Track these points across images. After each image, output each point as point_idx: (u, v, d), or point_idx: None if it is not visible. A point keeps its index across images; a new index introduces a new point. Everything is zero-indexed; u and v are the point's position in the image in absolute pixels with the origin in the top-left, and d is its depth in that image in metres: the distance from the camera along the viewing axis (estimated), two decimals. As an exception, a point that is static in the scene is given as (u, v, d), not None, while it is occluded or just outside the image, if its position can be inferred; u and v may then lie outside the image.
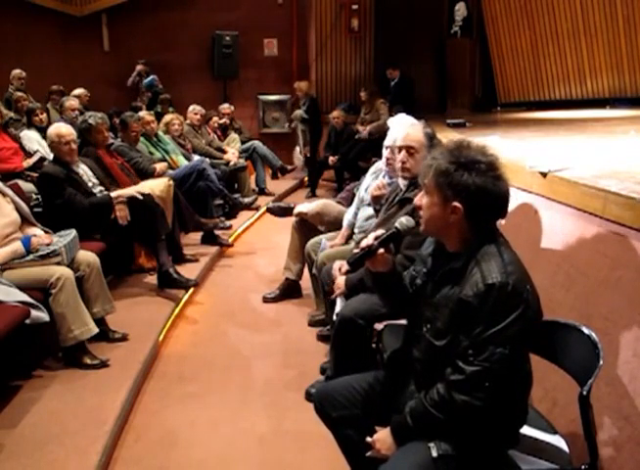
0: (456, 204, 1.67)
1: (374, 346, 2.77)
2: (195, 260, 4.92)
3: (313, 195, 7.80)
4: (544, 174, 2.93)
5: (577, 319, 2.00)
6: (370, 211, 3.40)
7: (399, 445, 1.71)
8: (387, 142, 3.20)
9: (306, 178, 8.48)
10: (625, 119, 6.61)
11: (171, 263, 4.25)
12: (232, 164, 6.87)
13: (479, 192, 1.65)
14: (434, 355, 1.72)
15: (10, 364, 2.98)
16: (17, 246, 3.15)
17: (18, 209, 3.35)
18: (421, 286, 1.87)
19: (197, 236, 5.42)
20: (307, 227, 4.12)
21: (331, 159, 7.83)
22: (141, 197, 4.04)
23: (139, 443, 2.72)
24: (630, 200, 2.22)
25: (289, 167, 7.99)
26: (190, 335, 3.93)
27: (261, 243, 5.89)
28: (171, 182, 4.78)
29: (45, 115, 5.82)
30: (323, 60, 9.40)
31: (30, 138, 5.47)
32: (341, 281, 2.85)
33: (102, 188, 4.21)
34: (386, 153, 3.21)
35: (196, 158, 6.26)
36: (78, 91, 7.53)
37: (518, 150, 4.06)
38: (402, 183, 2.90)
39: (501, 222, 1.90)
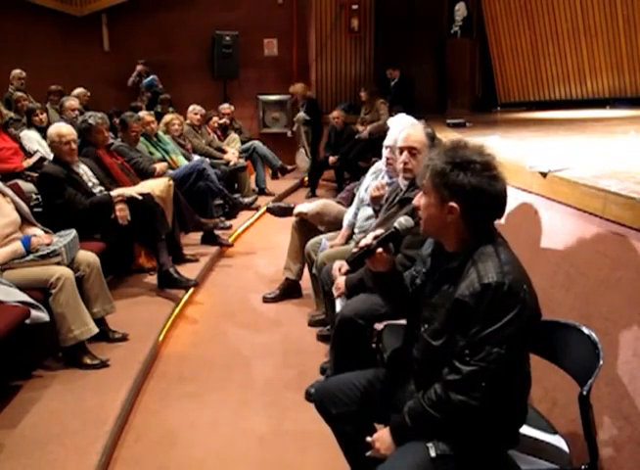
0: (452, 204, 1.67)
1: (374, 346, 2.77)
2: (195, 260, 4.92)
3: (313, 195, 7.80)
4: (544, 174, 2.93)
5: (577, 319, 2.00)
6: (370, 210, 3.40)
7: (398, 444, 1.71)
8: (387, 142, 3.19)
9: (306, 178, 8.48)
10: (625, 119, 6.61)
11: (171, 263, 4.25)
12: (232, 164, 6.87)
13: (474, 192, 1.65)
14: (432, 355, 1.73)
15: (10, 364, 2.98)
16: (17, 246, 3.15)
17: (18, 209, 3.35)
18: (420, 286, 1.88)
19: (197, 236, 5.42)
20: (307, 227, 4.12)
21: (331, 159, 7.83)
22: (141, 197, 4.04)
23: (139, 443, 2.72)
24: (630, 200, 2.22)
25: (289, 167, 7.99)
26: (190, 335, 3.93)
27: (261, 243, 5.89)
28: (171, 182, 4.79)
29: (45, 115, 5.82)
30: (323, 60, 9.41)
31: (30, 138, 5.47)
32: (341, 281, 2.85)
33: (102, 188, 4.20)
34: (386, 153, 3.21)
35: (196, 158, 6.27)
36: (78, 91, 7.54)
37: (518, 150, 4.05)
38: (402, 183, 2.90)
39: (501, 222, 1.90)
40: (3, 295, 2.79)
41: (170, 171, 5.49)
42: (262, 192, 7.60)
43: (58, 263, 3.16)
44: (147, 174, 5.09)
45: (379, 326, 2.71)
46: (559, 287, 2.56)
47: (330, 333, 3.18)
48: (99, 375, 3.09)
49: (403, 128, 2.92)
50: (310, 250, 3.80)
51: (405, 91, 8.51)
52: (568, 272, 2.57)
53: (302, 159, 8.73)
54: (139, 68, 8.86)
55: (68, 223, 3.56)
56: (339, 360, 2.77)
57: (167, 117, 6.47)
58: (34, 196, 4.25)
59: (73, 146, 3.99)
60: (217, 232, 5.46)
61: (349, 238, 3.62)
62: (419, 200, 1.77)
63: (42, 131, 5.28)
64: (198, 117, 6.98)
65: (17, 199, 3.40)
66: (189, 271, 4.47)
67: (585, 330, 1.84)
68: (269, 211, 5.14)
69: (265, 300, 4.38)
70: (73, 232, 3.38)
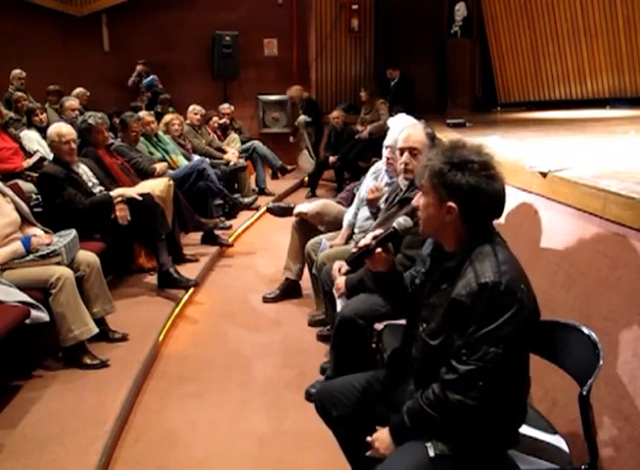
0: (451, 204, 1.67)
1: (374, 346, 2.77)
2: (195, 260, 4.92)
3: (313, 195, 7.80)
4: (544, 174, 2.93)
5: (577, 319, 2.00)
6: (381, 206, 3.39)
7: (398, 444, 1.72)
8: (387, 142, 3.19)
9: (306, 178, 8.48)
10: (625, 119, 6.60)
11: (171, 263, 4.25)
12: (232, 164, 6.87)
13: (472, 192, 1.65)
14: (430, 355, 1.73)
15: (10, 364, 2.98)
16: (17, 246, 3.15)
17: (18, 209, 3.35)
18: (419, 286, 1.88)
19: (197, 236, 5.42)
20: (307, 227, 4.12)
21: (331, 159, 7.84)
22: (141, 198, 4.03)
23: (139, 443, 2.72)
24: (630, 200, 2.22)
25: (289, 167, 7.99)
26: (190, 335, 3.94)
27: (261, 243, 5.89)
28: (171, 182, 4.79)
29: (45, 115, 5.82)
30: (323, 60, 9.41)
31: (30, 138, 5.47)
32: (340, 282, 2.85)
33: (102, 188, 4.21)
34: (386, 153, 3.21)
35: (196, 158, 6.27)
36: (77, 91, 7.54)
37: (518, 150, 4.05)
38: (402, 183, 2.90)
39: (500, 222, 1.90)
40: (3, 295, 2.79)
41: (170, 171, 5.49)
42: (262, 192, 7.60)
43: (58, 263, 3.16)
44: (147, 174, 5.09)
45: (379, 326, 2.71)
46: (559, 287, 2.56)
47: (330, 333, 3.18)
48: (99, 375, 3.09)
49: (403, 129, 2.92)
50: (310, 250, 3.80)
51: (405, 91, 8.51)
52: (568, 272, 2.57)
53: (306, 160, 8.69)
54: (139, 68, 8.87)
55: (67, 223, 3.56)
56: (339, 360, 2.77)
57: (167, 117, 6.47)
58: (34, 196, 4.25)
59: (73, 146, 3.99)
60: (217, 232, 5.46)
61: (349, 238, 3.62)
62: (418, 200, 1.78)
63: (42, 131, 5.28)
64: (198, 117, 6.99)
65: (17, 199, 3.40)
66: (189, 271, 4.47)
67: (585, 330, 1.84)
68: (269, 211, 5.14)
69: (265, 300, 4.38)
70: (73, 232, 3.38)
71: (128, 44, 9.27)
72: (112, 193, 4.03)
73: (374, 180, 3.56)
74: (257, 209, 6.86)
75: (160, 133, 6.08)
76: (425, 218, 1.76)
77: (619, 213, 2.28)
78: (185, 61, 9.37)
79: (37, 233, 3.31)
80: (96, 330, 3.18)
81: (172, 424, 2.87)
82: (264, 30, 9.70)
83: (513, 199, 3.08)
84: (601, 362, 1.73)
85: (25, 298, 2.83)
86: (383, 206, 3.18)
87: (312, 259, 3.71)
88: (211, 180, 5.59)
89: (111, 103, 7.88)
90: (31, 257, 3.14)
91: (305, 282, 4.22)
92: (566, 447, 1.86)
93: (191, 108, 7.02)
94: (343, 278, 2.84)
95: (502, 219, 1.81)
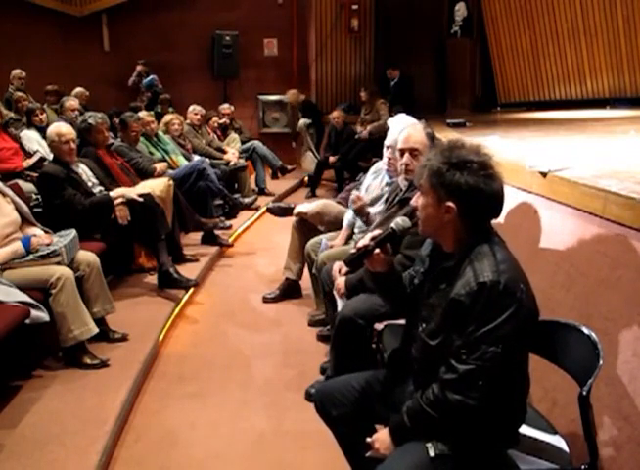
0: (449, 203, 1.67)
1: (374, 346, 2.77)
2: (195, 260, 4.92)
3: (313, 195, 7.81)
4: (544, 174, 2.93)
5: (577, 319, 2.00)
6: (370, 210, 3.39)
7: (398, 444, 1.71)
8: (387, 142, 3.19)
9: (306, 178, 8.48)
10: (625, 119, 6.60)
11: (171, 263, 4.25)
12: (232, 164, 6.87)
13: (471, 191, 1.65)
14: (430, 355, 1.73)
15: (10, 364, 2.98)
16: (17, 246, 3.15)
17: (18, 209, 3.35)
18: (418, 286, 1.88)
19: (197, 236, 5.42)
20: (307, 227, 4.12)
21: (331, 159, 7.84)
22: (141, 199, 4.03)
23: (139, 443, 2.72)
24: (630, 200, 2.22)
25: (289, 167, 7.99)
26: (190, 335, 3.94)
27: (261, 243, 5.90)
28: (171, 182, 4.79)
29: (45, 115, 5.82)
30: (323, 60, 9.42)
31: (30, 138, 5.47)
32: (340, 282, 2.85)
33: (102, 188, 4.21)
34: (387, 152, 3.21)
35: (196, 158, 6.27)
36: (76, 90, 7.54)
37: (518, 150, 4.05)
38: (402, 183, 2.90)
39: (500, 222, 1.90)
40: (3, 295, 2.79)
41: (170, 171, 5.49)
42: (262, 192, 7.60)
43: (58, 263, 3.16)
44: (147, 174, 5.09)
45: (379, 326, 2.71)
46: (559, 287, 2.56)
47: (330, 333, 3.18)
48: (99, 375, 3.09)
49: (403, 129, 2.92)
50: (310, 250, 3.80)
51: (405, 91, 8.51)
52: (568, 272, 2.57)
53: (311, 161, 8.66)
54: (139, 68, 8.87)
55: (67, 223, 3.56)
56: (339, 360, 2.77)
57: (167, 117, 6.47)
58: (34, 196, 4.25)
59: (73, 145, 3.99)
60: (217, 232, 5.46)
61: (349, 238, 3.62)
62: (417, 200, 1.78)
63: (42, 131, 5.28)
64: (198, 117, 6.99)
65: (17, 199, 3.40)
66: (189, 271, 4.47)
67: (585, 330, 1.84)
68: (269, 211, 5.14)
69: (265, 300, 4.38)
70: (73, 232, 3.38)
71: (128, 44, 9.27)
72: (112, 193, 4.03)
73: (374, 180, 3.56)
74: (257, 209, 6.86)
75: (160, 133, 6.08)
76: (424, 218, 1.76)
77: (619, 213, 2.28)
78: (185, 61, 9.38)
79: (37, 233, 3.31)
80: (96, 330, 3.18)
81: (172, 424, 2.87)
82: (264, 30, 9.71)
83: (513, 199, 3.08)
84: (601, 362, 1.73)
85: (25, 298, 2.83)
86: (382, 206, 3.18)
87: (312, 259, 3.71)
88: (211, 180, 5.59)
89: (111, 103, 7.89)
90: (31, 257, 3.14)
91: (305, 282, 4.21)
92: (566, 447, 1.86)
93: (191, 108, 7.02)
94: (344, 278, 2.84)
95: (502, 219, 1.82)
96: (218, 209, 6.03)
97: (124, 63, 9.00)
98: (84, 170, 4.19)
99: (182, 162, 5.95)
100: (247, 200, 6.82)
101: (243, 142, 7.76)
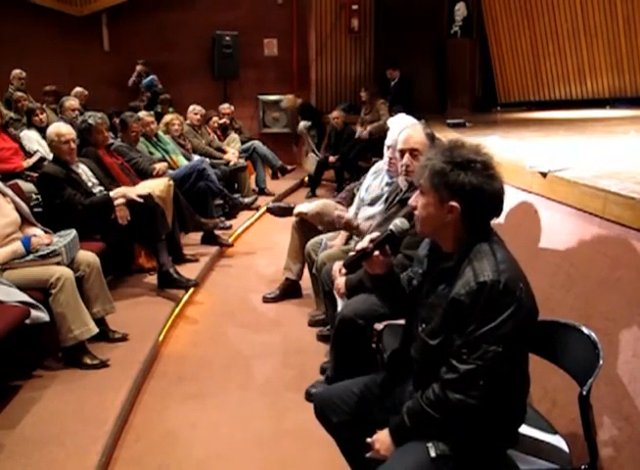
0: (453, 203, 1.67)
1: (374, 346, 2.77)
2: (195, 260, 4.92)
3: (313, 195, 7.81)
4: (544, 174, 2.93)
5: (577, 319, 2.00)
6: (370, 210, 3.40)
7: (398, 445, 1.71)
8: (388, 142, 3.19)
9: (306, 178, 8.48)
10: (625, 119, 6.61)
11: (171, 263, 4.25)
12: (232, 164, 6.87)
13: (475, 191, 1.65)
14: (430, 355, 1.73)
15: (10, 364, 2.99)
16: (17, 246, 3.15)
17: (18, 209, 3.35)
18: (417, 287, 1.88)
19: (197, 236, 5.42)
20: (307, 227, 4.12)
21: (331, 158, 7.84)
22: (142, 200, 4.03)
23: (139, 443, 2.72)
24: (630, 200, 2.22)
25: (289, 167, 7.99)
26: (190, 335, 3.94)
27: (261, 243, 5.89)
28: (171, 182, 4.79)
29: (45, 115, 5.82)
30: (323, 60, 9.41)
31: (30, 138, 5.47)
32: (340, 282, 2.84)
33: (102, 188, 4.21)
34: (387, 153, 3.20)
35: (196, 158, 6.27)
36: (76, 90, 7.54)
37: (518, 150, 4.05)
38: (402, 183, 2.90)
39: (500, 222, 1.90)
40: (3, 295, 2.79)
41: (170, 171, 5.49)
42: (262, 192, 7.60)
43: (58, 263, 3.16)
44: (147, 174, 5.09)
45: (379, 326, 2.71)
46: (559, 287, 2.56)
47: (330, 333, 3.18)
48: (99, 375, 3.09)
49: (402, 130, 2.92)
50: (310, 250, 3.80)
51: (405, 91, 8.51)
52: (568, 272, 2.57)
53: (313, 162, 8.63)
54: (139, 68, 8.87)
55: (67, 223, 3.56)
56: (339, 360, 2.77)
57: (167, 118, 6.46)
58: (34, 196, 4.25)
59: (73, 145, 3.99)
60: (217, 232, 5.46)
61: (349, 238, 3.62)
62: (416, 200, 1.77)
63: (42, 131, 5.28)
64: (198, 117, 6.98)
65: (17, 199, 3.40)
66: (189, 271, 4.47)
67: (585, 330, 1.84)
68: (269, 211, 5.13)
69: (265, 300, 4.38)
70: (73, 232, 3.38)
71: (128, 44, 9.27)
72: (112, 193, 4.03)
73: (374, 180, 3.56)
74: (257, 209, 6.86)
75: (160, 133, 6.08)
76: (424, 218, 1.75)
77: (619, 213, 2.28)
78: (185, 61, 9.38)
79: (37, 233, 3.31)
80: (96, 330, 3.18)
81: (172, 424, 2.87)
82: (264, 30, 9.71)
83: (513, 199, 3.09)
84: (601, 362, 1.73)
85: (25, 298, 2.83)
86: (382, 206, 3.18)
87: (312, 259, 3.71)
88: (211, 180, 5.59)
89: (111, 103, 7.88)
90: (31, 257, 3.14)
91: (305, 282, 4.21)
92: (566, 447, 1.86)
93: (191, 108, 7.02)
94: (344, 278, 2.84)
95: (502, 219, 1.81)
96: (218, 209, 6.03)
97: (124, 63, 9.00)
98: (84, 170, 4.19)
99: (182, 162, 5.95)
100: (247, 200, 6.81)
101: (243, 142, 7.76)
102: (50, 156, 4.42)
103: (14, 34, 8.77)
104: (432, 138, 2.83)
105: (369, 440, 1.78)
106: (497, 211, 1.73)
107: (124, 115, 5.51)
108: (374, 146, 6.90)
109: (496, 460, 1.71)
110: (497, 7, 9.17)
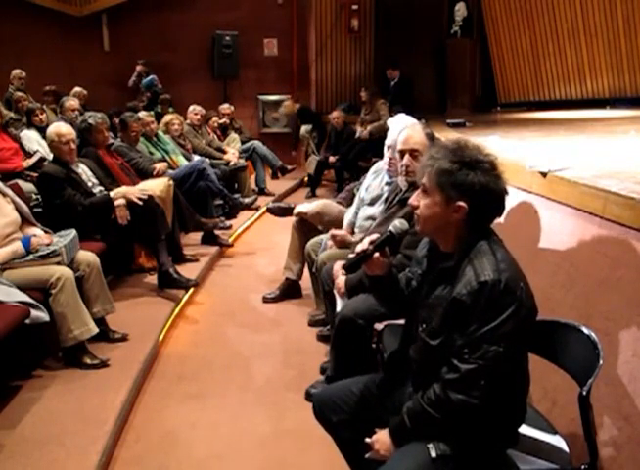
0: (461, 203, 1.66)
1: (374, 346, 2.77)
2: (195, 260, 4.92)
3: (313, 195, 7.81)
4: (544, 174, 2.93)
5: (577, 319, 2.00)
6: (370, 210, 3.40)
7: (398, 445, 1.71)
8: (388, 142, 3.19)
9: (306, 178, 8.48)
10: (625, 119, 6.61)
11: (171, 263, 4.25)
12: (232, 164, 6.87)
13: (482, 191, 1.65)
14: (430, 355, 1.72)
15: (10, 364, 2.98)
16: (17, 246, 3.15)
17: (18, 209, 3.35)
18: (416, 288, 1.88)
19: (197, 236, 5.42)
20: (307, 227, 4.12)
21: (331, 159, 7.84)
22: (141, 202, 4.02)
23: (139, 443, 2.72)
24: (630, 200, 2.22)
25: (289, 167, 7.99)
26: (190, 335, 3.94)
27: (261, 243, 5.89)
28: (171, 182, 4.79)
29: (45, 115, 5.82)
30: (323, 60, 9.42)
31: (30, 138, 5.47)
32: (341, 282, 2.84)
33: (101, 188, 4.21)
34: (388, 153, 3.20)
35: (196, 158, 6.27)
36: (75, 90, 7.54)
37: (518, 150, 4.05)
38: (402, 183, 2.90)
39: (500, 222, 1.90)
40: (3, 295, 2.79)
41: (170, 171, 5.49)
42: (262, 192, 7.61)
43: (58, 263, 3.15)
44: (147, 174, 5.09)
45: (379, 326, 2.71)
46: (559, 287, 2.56)
47: (330, 333, 3.18)
48: (99, 375, 3.09)
49: (402, 130, 2.92)
50: (310, 250, 3.80)
51: (405, 91, 8.51)
52: (568, 272, 2.57)
53: (314, 162, 8.64)
54: (139, 68, 8.87)
55: (67, 223, 3.56)
56: (339, 360, 2.77)
57: (167, 118, 6.47)
58: (34, 196, 4.25)
59: (73, 145, 3.99)
60: (217, 232, 5.46)
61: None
62: (417, 199, 1.76)
63: (42, 131, 5.28)
64: (198, 117, 6.98)
65: (17, 199, 3.40)
66: (189, 271, 4.47)
67: (585, 330, 1.84)
68: (269, 211, 5.13)
69: (265, 300, 4.38)
70: (73, 232, 3.38)
71: (128, 44, 9.28)
72: (112, 192, 4.03)
73: (374, 180, 3.56)
74: (257, 209, 6.86)
75: (160, 133, 6.08)
76: (427, 217, 1.73)
77: (619, 213, 2.28)
78: (185, 61, 9.38)
79: (37, 233, 3.31)
80: (96, 330, 3.18)
81: (172, 424, 2.87)
82: (264, 30, 9.71)
83: (513, 199, 3.08)
84: (601, 362, 1.73)
85: (25, 298, 2.83)
86: (382, 206, 3.18)
87: (312, 259, 3.71)
88: (211, 180, 5.59)
89: (110, 103, 7.88)
90: (31, 257, 3.14)
91: (305, 282, 4.21)
92: (566, 447, 1.86)
93: (191, 108, 7.02)
94: (344, 278, 2.83)
95: (502, 219, 1.81)
96: (218, 209, 6.03)
97: (124, 63, 9.01)
98: (84, 170, 4.19)
99: (182, 162, 5.95)
100: (247, 200, 6.80)
101: (243, 142, 7.76)
102: (50, 156, 4.42)
103: (13, 34, 8.78)
104: (431, 138, 2.83)
105: (368, 440, 1.78)
106: (501, 211, 1.74)
107: (124, 115, 5.52)
108: (374, 146, 6.90)
109: (496, 460, 1.71)
110: (497, 7, 9.17)
